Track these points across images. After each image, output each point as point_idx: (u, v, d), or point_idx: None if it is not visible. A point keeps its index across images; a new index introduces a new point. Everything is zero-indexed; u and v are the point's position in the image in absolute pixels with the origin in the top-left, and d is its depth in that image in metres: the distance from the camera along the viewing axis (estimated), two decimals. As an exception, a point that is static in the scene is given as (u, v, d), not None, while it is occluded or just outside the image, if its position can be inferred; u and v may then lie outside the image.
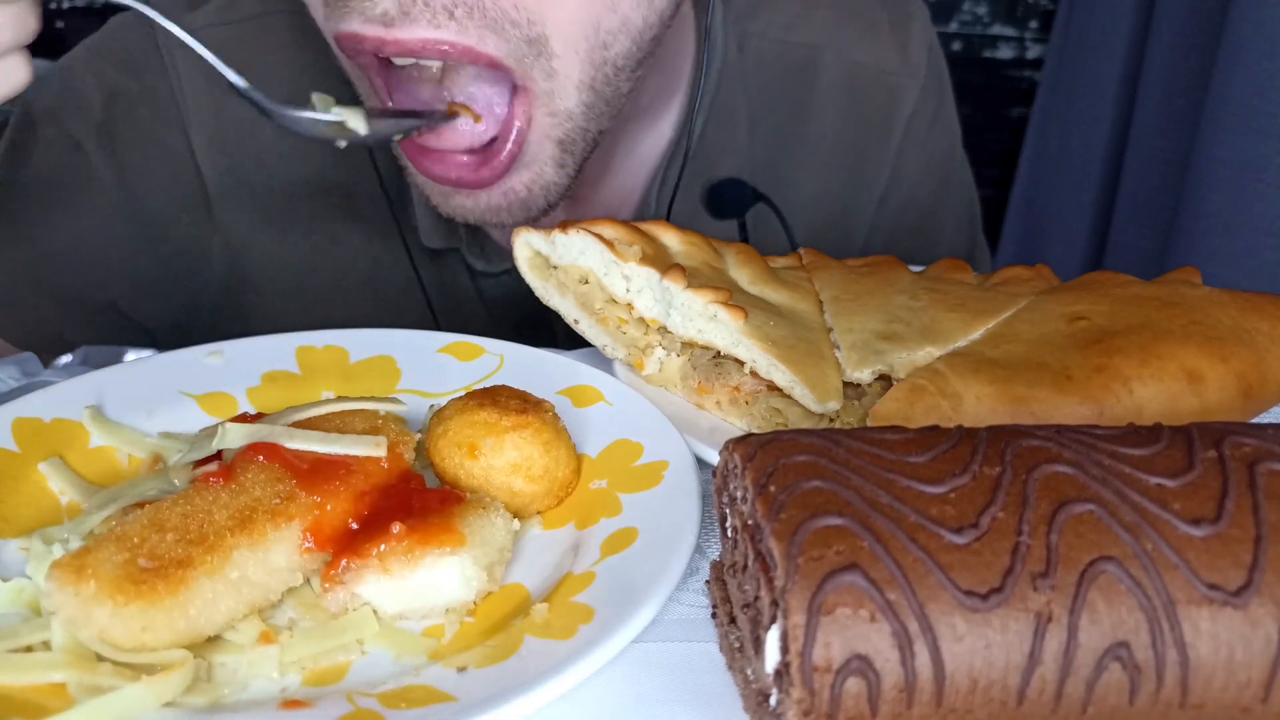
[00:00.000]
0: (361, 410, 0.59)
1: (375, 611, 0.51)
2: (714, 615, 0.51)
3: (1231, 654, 0.39)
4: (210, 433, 0.58)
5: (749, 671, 0.45)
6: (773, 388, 0.65)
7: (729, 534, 0.49)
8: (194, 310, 0.96)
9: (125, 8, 0.62)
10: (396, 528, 0.51)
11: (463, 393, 0.61)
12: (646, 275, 0.68)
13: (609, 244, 0.69)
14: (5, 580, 0.51)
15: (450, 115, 0.69)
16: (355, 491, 0.53)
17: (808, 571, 0.39)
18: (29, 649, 0.47)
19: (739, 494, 0.45)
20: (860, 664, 0.38)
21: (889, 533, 0.40)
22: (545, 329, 0.97)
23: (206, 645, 0.48)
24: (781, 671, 0.40)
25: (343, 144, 0.68)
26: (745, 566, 0.45)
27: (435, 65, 0.71)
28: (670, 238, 0.73)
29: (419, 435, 0.61)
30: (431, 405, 0.66)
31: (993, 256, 2.01)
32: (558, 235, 0.70)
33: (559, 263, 0.71)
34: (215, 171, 0.90)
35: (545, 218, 0.85)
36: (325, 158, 0.92)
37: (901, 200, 1.07)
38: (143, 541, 0.47)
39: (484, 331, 0.96)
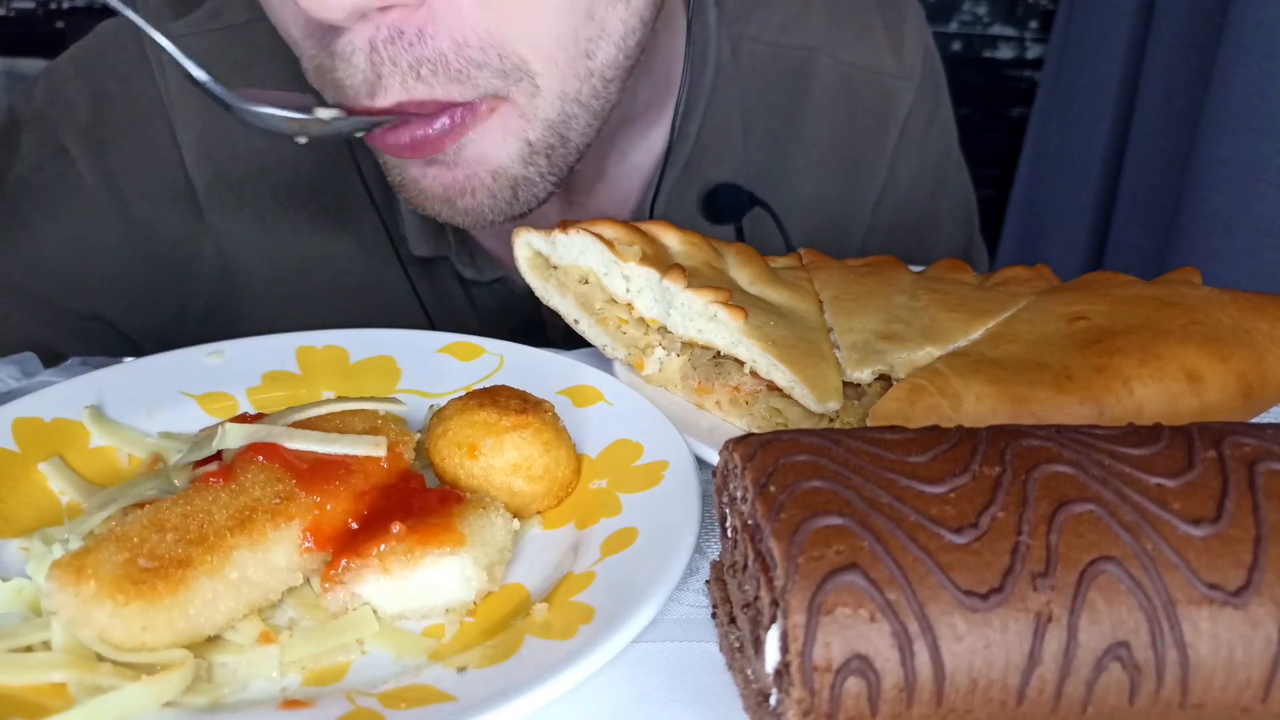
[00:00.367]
0: (361, 410, 0.59)
1: (375, 611, 0.51)
2: (714, 615, 0.51)
3: (1231, 654, 0.39)
4: (210, 433, 0.58)
5: (749, 671, 0.46)
6: (773, 388, 0.66)
7: (729, 534, 0.49)
8: (182, 319, 0.96)
9: (114, 12, 0.63)
10: (396, 528, 0.51)
11: (463, 393, 0.61)
12: (646, 275, 0.68)
13: (609, 244, 0.69)
14: (5, 580, 0.51)
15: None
16: (355, 491, 0.53)
17: (808, 571, 0.39)
18: (29, 649, 0.47)
19: (739, 494, 0.45)
20: (860, 664, 0.38)
21: (889, 532, 0.40)
22: (539, 338, 0.96)
23: (206, 645, 0.48)
24: (781, 671, 0.40)
25: (303, 140, 0.67)
26: (745, 566, 0.45)
27: None
28: (670, 238, 0.73)
29: (419, 435, 0.61)
30: (431, 405, 0.66)
31: (993, 256, 2.01)
32: (558, 235, 0.70)
33: (559, 263, 0.71)
34: (203, 177, 0.90)
35: (526, 219, 0.85)
36: (315, 165, 0.91)
37: (898, 201, 1.07)
38: (143, 541, 0.47)
39: None
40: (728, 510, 0.49)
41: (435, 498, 0.54)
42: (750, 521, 0.44)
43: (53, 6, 1.87)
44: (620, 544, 0.54)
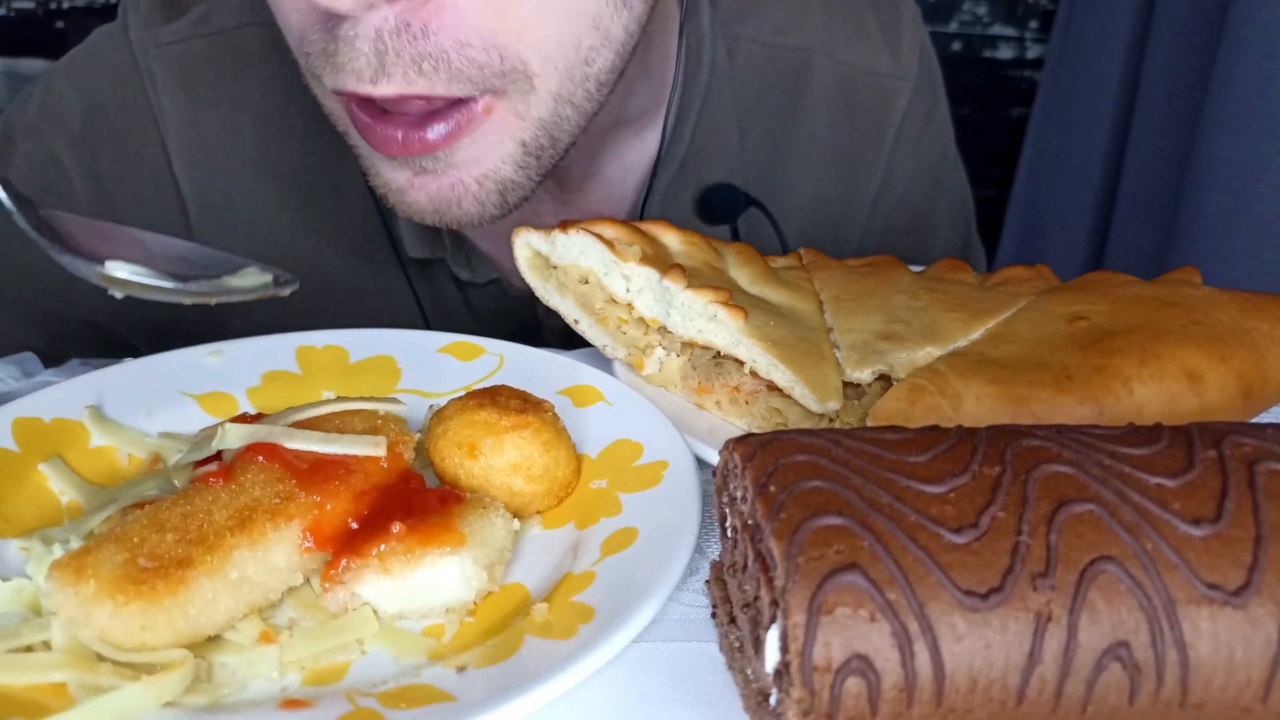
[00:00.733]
0: (361, 410, 0.59)
1: (375, 611, 0.51)
2: (714, 615, 0.51)
3: (1231, 654, 0.39)
4: (210, 433, 0.58)
5: (749, 671, 0.46)
6: (773, 388, 0.66)
7: (729, 534, 0.49)
8: (176, 324, 0.96)
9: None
10: (396, 527, 0.51)
11: (463, 393, 0.61)
12: (646, 275, 0.68)
13: (609, 244, 0.69)
14: (5, 580, 0.51)
15: (280, 283, 0.63)
16: (355, 491, 0.53)
17: (807, 571, 0.39)
18: (29, 649, 0.47)
19: (739, 494, 0.45)
20: (860, 664, 0.38)
21: (889, 532, 0.40)
22: (535, 340, 0.96)
23: (206, 645, 0.48)
24: (781, 671, 0.40)
25: (118, 295, 0.62)
26: (745, 566, 0.45)
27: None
28: (670, 238, 0.73)
29: (419, 435, 0.61)
30: (431, 405, 0.66)
31: (993, 256, 2.01)
32: (558, 235, 0.70)
33: (559, 263, 0.71)
34: (193, 185, 0.90)
35: (519, 218, 0.85)
36: (306, 170, 0.91)
37: (894, 202, 1.07)
38: (143, 541, 0.47)
39: None
40: (728, 510, 0.49)
41: (435, 498, 0.54)
42: (750, 521, 0.44)
43: (53, 6, 1.87)
44: (620, 544, 0.54)
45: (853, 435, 0.45)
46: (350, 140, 0.75)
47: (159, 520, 0.49)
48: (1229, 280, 0.82)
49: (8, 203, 0.57)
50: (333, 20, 0.66)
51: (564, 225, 0.70)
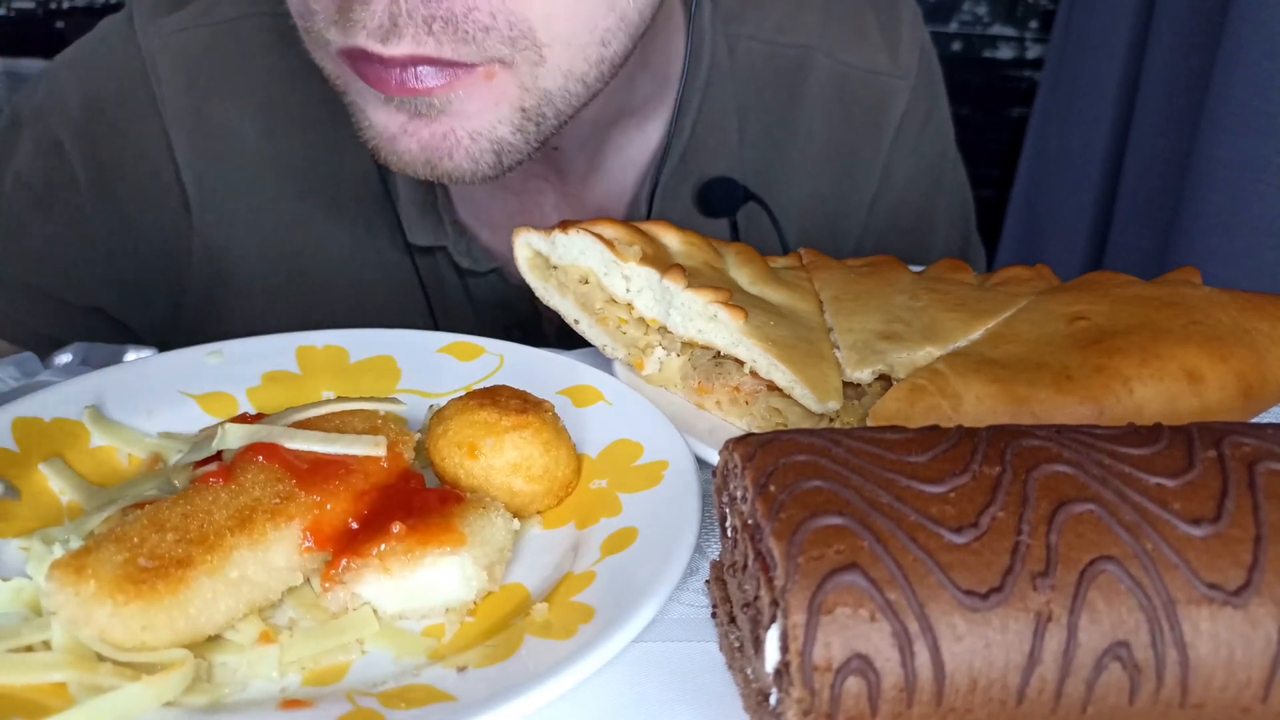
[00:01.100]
0: (361, 410, 0.59)
1: (375, 611, 0.51)
2: (714, 615, 0.51)
3: (1231, 654, 0.39)
4: (210, 433, 0.58)
5: (749, 671, 0.46)
6: (773, 388, 0.66)
7: (729, 534, 0.49)
8: (177, 311, 0.96)
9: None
10: (396, 527, 0.51)
11: (463, 393, 0.61)
12: (646, 275, 0.68)
13: (609, 244, 0.69)
14: (5, 580, 0.51)
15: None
16: (355, 491, 0.53)
17: (807, 571, 0.39)
18: (29, 648, 0.47)
19: (739, 494, 0.45)
20: (860, 663, 0.38)
21: (889, 532, 0.40)
22: (535, 330, 0.97)
23: (207, 645, 0.48)
24: (781, 671, 0.40)
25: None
26: (745, 566, 0.45)
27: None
28: (670, 238, 0.73)
29: (419, 435, 0.61)
30: (431, 405, 0.66)
31: (993, 256, 2.01)
32: (558, 235, 0.70)
33: (559, 263, 0.71)
34: (195, 173, 0.91)
35: (526, 220, 0.85)
36: (308, 159, 0.92)
37: (893, 201, 1.07)
38: (143, 541, 0.47)
39: (472, 332, 0.96)
40: (728, 510, 0.49)
41: (435, 497, 0.54)
42: (750, 521, 0.44)
43: (53, 6, 1.87)
44: (620, 544, 0.54)
45: (853, 435, 0.45)
46: (347, 98, 0.75)
47: (159, 520, 0.49)
48: (1229, 280, 0.82)
49: None
50: None
51: (564, 225, 0.70)
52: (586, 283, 0.71)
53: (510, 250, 0.73)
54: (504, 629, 0.50)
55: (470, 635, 0.51)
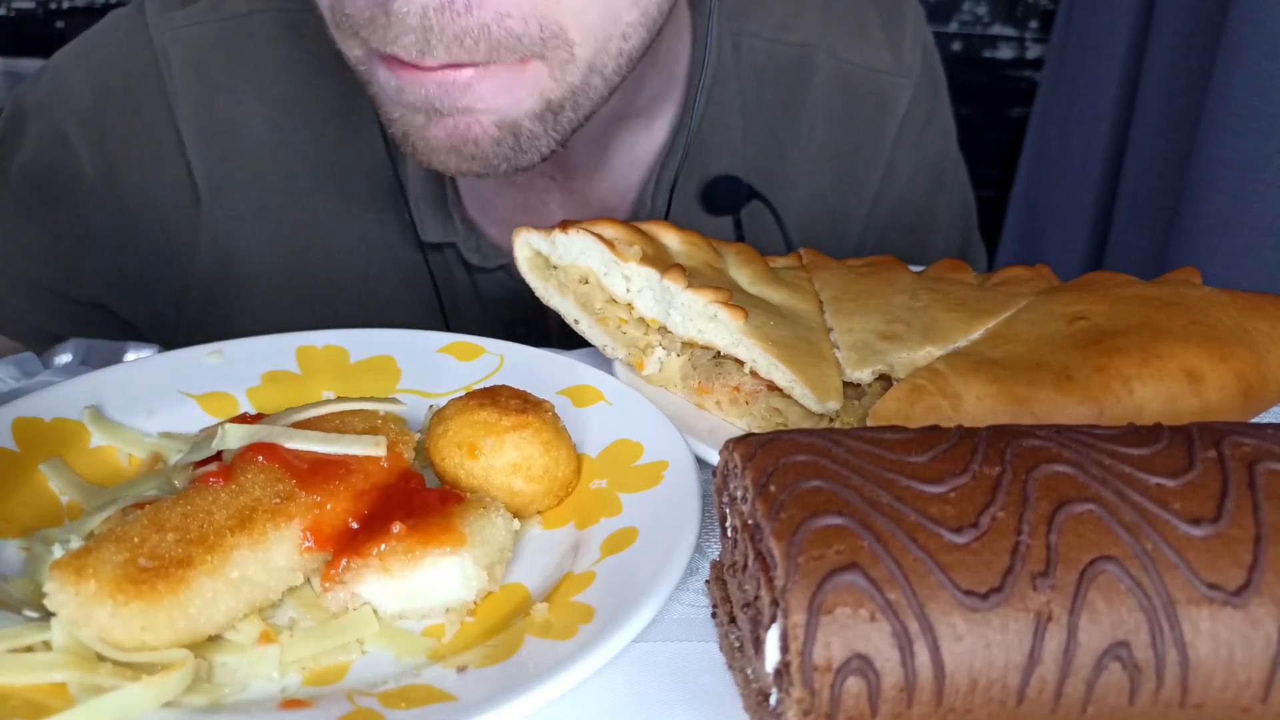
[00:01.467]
0: (361, 410, 0.59)
1: (375, 611, 0.51)
2: (714, 615, 0.51)
3: (1231, 654, 0.39)
4: (210, 433, 0.58)
5: (749, 671, 0.46)
6: (773, 388, 0.66)
7: (729, 534, 0.49)
8: (179, 307, 0.96)
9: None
10: (397, 527, 0.51)
11: (463, 393, 0.61)
12: (646, 275, 0.68)
13: (609, 244, 0.69)
14: (5, 580, 0.51)
15: None
16: (355, 491, 0.53)
17: (808, 571, 0.39)
18: (29, 649, 0.47)
19: (739, 494, 0.45)
20: (860, 663, 0.38)
21: (889, 532, 0.40)
22: (541, 326, 0.97)
23: (207, 645, 0.48)
24: (781, 671, 0.40)
25: None
26: (745, 566, 0.45)
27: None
28: (670, 238, 0.73)
29: (419, 435, 0.61)
30: (431, 405, 0.66)
31: (993, 256, 2.01)
32: (558, 235, 0.70)
33: (559, 263, 0.71)
34: (205, 167, 0.91)
35: (531, 219, 0.84)
36: (318, 153, 0.92)
37: (895, 199, 1.07)
38: (143, 541, 0.47)
39: (479, 327, 0.96)
40: (728, 510, 0.49)
41: (435, 497, 0.54)
42: (750, 521, 0.44)
43: (53, 6, 1.87)
44: (620, 544, 0.54)
45: (853, 435, 0.45)
46: (371, 89, 0.76)
47: (159, 520, 0.49)
48: (1229, 280, 0.82)
49: None
50: None
51: (564, 225, 0.70)
52: (586, 283, 0.71)
53: None
54: (504, 629, 0.50)
55: (470, 635, 0.51)
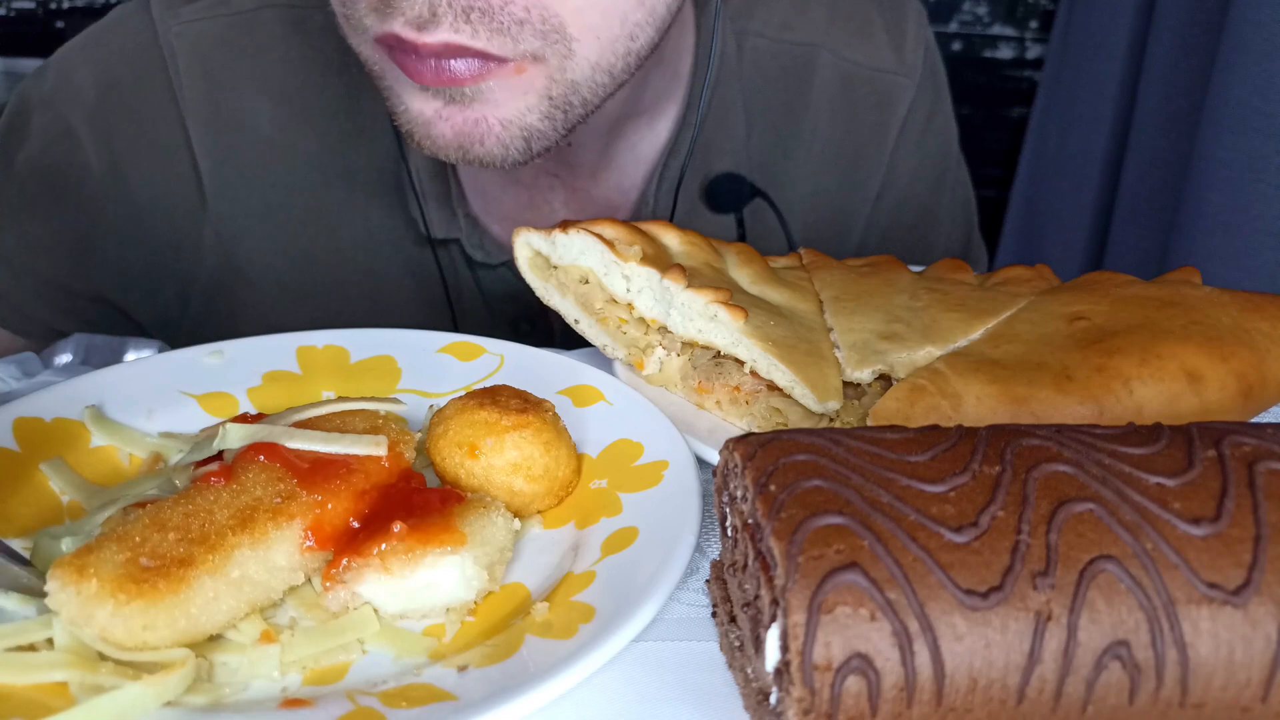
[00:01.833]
0: (362, 410, 0.59)
1: (376, 611, 0.51)
2: (714, 614, 0.51)
3: (1231, 653, 0.39)
4: (211, 433, 0.58)
5: (749, 670, 0.46)
6: (773, 387, 0.66)
7: (729, 533, 0.49)
8: (185, 302, 0.96)
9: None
10: (397, 527, 0.51)
11: (463, 392, 0.61)
12: (647, 275, 0.68)
13: (609, 244, 0.69)
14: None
15: None
16: (356, 490, 0.53)
17: (808, 570, 0.39)
18: (30, 648, 0.47)
19: (739, 493, 0.46)
20: (860, 663, 0.38)
21: (889, 532, 0.40)
22: (543, 323, 0.97)
23: (208, 644, 0.48)
24: (781, 670, 0.40)
25: None
26: (745, 566, 0.45)
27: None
28: (670, 238, 0.73)
29: (419, 435, 0.61)
30: (431, 405, 0.66)
31: (993, 256, 2.01)
32: (558, 235, 0.70)
33: (559, 263, 0.71)
34: (211, 162, 0.91)
35: (534, 219, 0.84)
36: (323, 149, 0.92)
37: (897, 198, 1.07)
38: (144, 541, 0.47)
39: (483, 323, 0.96)
40: (728, 510, 0.49)
41: (436, 497, 0.54)
42: (750, 521, 0.44)
43: (53, 6, 1.87)
44: (620, 543, 0.54)
45: (853, 435, 0.45)
46: (383, 83, 0.77)
47: (160, 520, 0.49)
48: (1229, 280, 0.83)
49: None
50: None
51: (564, 225, 0.70)
52: (586, 283, 0.71)
53: None
54: (504, 629, 0.50)
55: (471, 635, 0.51)
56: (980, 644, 0.39)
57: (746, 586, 0.45)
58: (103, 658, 0.45)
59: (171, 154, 0.91)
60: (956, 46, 1.97)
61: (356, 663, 0.49)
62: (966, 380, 0.60)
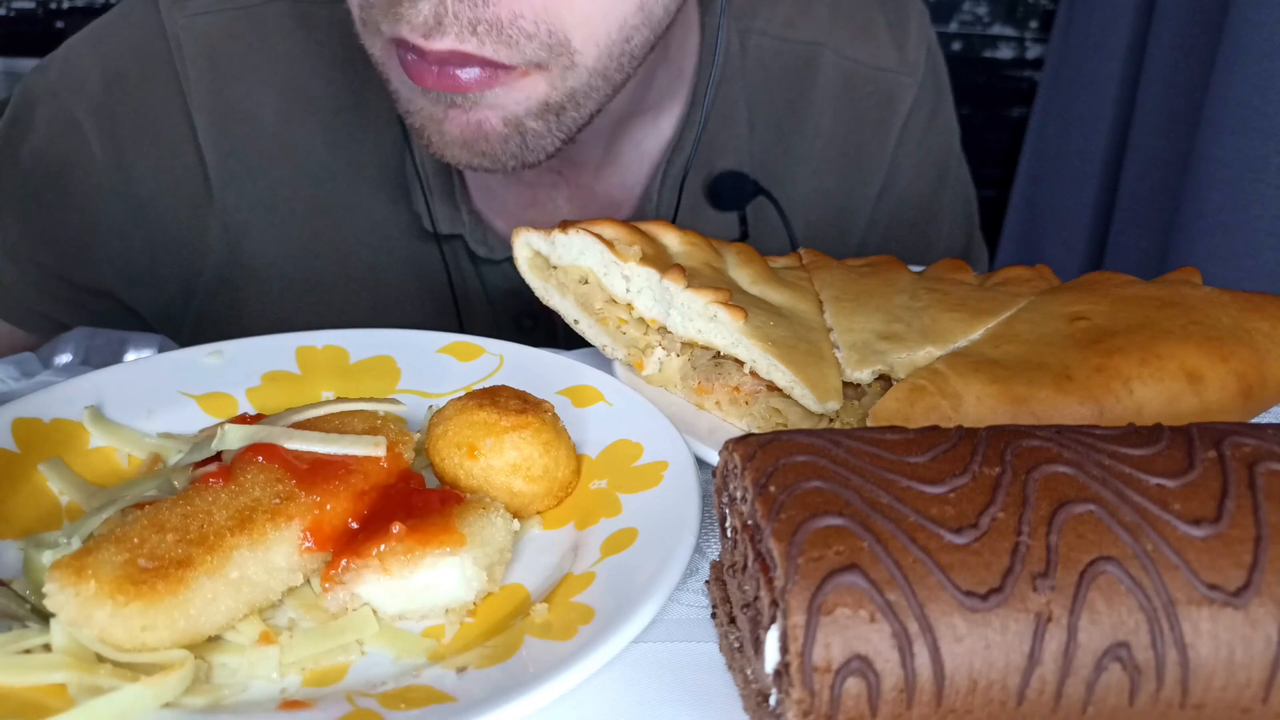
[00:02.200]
0: (361, 410, 0.59)
1: (375, 612, 0.51)
2: (714, 615, 0.51)
3: (1231, 654, 0.39)
4: (210, 434, 0.58)
5: (749, 671, 0.46)
6: (773, 388, 0.65)
7: (729, 534, 0.49)
8: (188, 295, 0.96)
9: None
10: (396, 528, 0.51)
11: (462, 393, 0.61)
12: (646, 275, 0.68)
13: (609, 244, 0.69)
14: (5, 581, 0.51)
15: None
16: (355, 491, 0.53)
17: (807, 572, 0.39)
18: (29, 650, 0.47)
19: (739, 494, 0.45)
20: (860, 664, 0.38)
21: (889, 533, 0.40)
22: (547, 318, 0.97)
23: (207, 645, 0.48)
24: (781, 671, 0.40)
25: None
26: (745, 566, 0.45)
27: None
28: (670, 238, 0.73)
29: (419, 435, 0.61)
30: (431, 405, 0.66)
31: (993, 256, 2.01)
32: (557, 235, 0.70)
33: (558, 263, 0.71)
34: (217, 155, 0.91)
35: (537, 217, 0.84)
36: (329, 144, 0.92)
37: (899, 197, 1.08)
38: (143, 542, 0.47)
39: (486, 319, 0.96)
40: (728, 510, 0.49)
41: (435, 498, 0.54)
42: (750, 522, 0.44)
43: (53, 6, 1.87)
44: (620, 544, 0.54)
45: (853, 435, 0.45)
46: (392, 85, 0.78)
47: (159, 521, 0.49)
48: (1229, 280, 0.82)
49: None
50: None
51: (564, 225, 0.70)
52: (586, 283, 0.71)
53: None
54: (504, 630, 0.50)
55: (470, 636, 0.51)
56: (980, 645, 0.39)
57: (746, 588, 0.45)
58: (101, 659, 0.45)
59: (177, 147, 0.91)
60: (956, 46, 1.96)
61: (355, 664, 0.49)
62: (966, 380, 0.60)
